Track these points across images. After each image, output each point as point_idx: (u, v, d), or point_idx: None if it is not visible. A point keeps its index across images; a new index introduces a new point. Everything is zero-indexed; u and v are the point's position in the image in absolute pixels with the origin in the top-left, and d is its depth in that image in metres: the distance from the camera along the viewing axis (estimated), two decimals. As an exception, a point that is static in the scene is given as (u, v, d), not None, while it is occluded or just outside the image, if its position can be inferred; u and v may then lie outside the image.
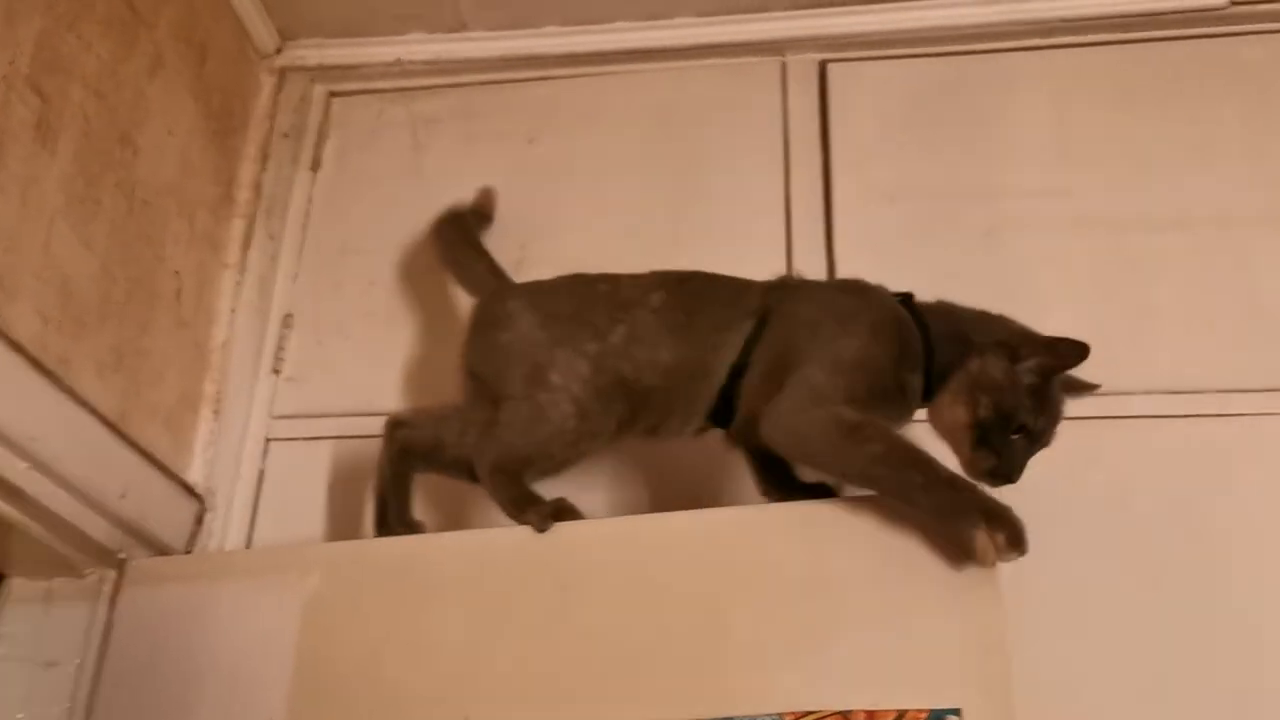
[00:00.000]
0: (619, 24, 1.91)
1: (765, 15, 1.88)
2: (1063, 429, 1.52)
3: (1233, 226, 1.65)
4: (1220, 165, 1.69)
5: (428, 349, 1.75)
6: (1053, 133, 1.76)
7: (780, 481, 1.37)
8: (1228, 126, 1.71)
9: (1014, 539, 1.13)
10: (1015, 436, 1.25)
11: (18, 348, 1.30)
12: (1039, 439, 1.27)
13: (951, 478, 1.18)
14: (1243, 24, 1.78)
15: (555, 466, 1.39)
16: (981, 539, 1.13)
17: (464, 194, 1.84)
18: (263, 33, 1.93)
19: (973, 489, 1.17)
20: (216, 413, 1.72)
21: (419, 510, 1.49)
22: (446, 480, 1.50)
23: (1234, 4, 1.76)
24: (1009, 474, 1.24)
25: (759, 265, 1.69)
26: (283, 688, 1.34)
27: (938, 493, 1.16)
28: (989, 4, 1.82)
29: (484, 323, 1.49)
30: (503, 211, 1.84)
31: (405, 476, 1.47)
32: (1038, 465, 1.48)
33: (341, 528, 1.64)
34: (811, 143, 1.81)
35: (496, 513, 1.39)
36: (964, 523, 1.14)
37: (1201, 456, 1.52)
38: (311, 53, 1.97)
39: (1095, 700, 1.40)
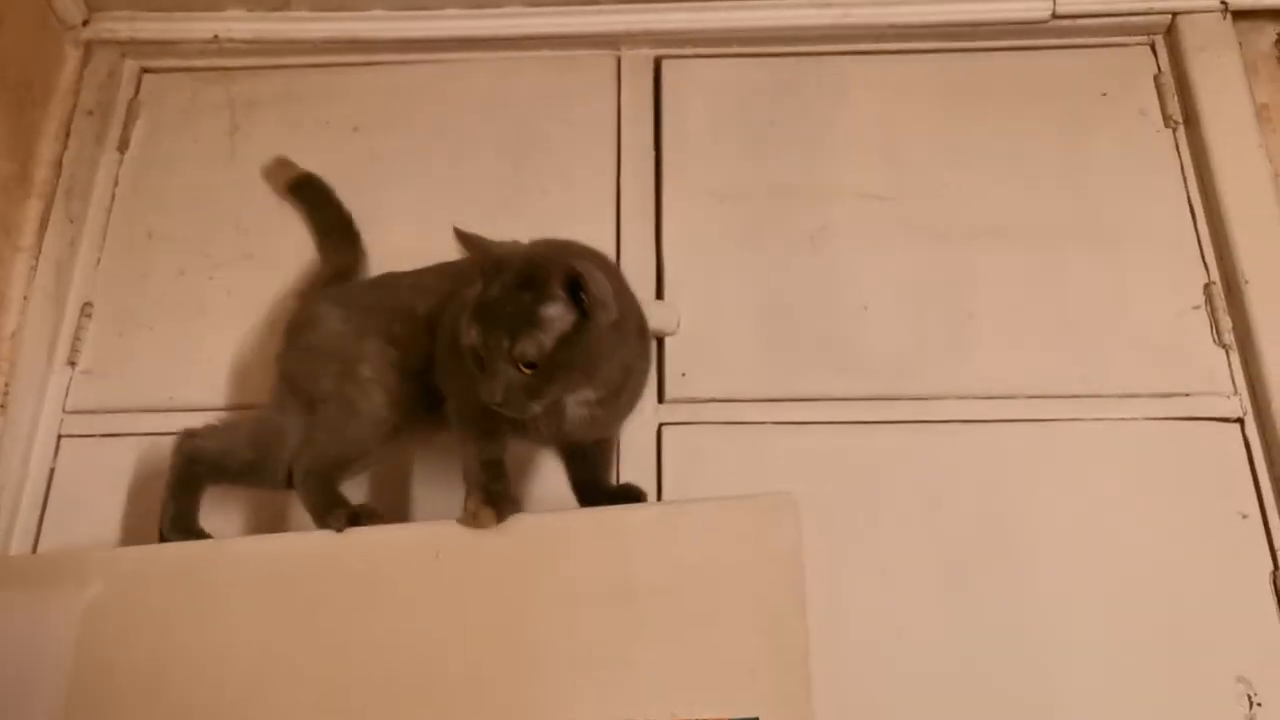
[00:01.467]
0: (449, 11, 1.85)
1: (600, 8, 1.85)
2: (877, 434, 1.56)
3: (1046, 236, 1.68)
4: (1036, 175, 1.72)
5: (239, 342, 1.67)
6: (880, 137, 1.77)
7: (588, 486, 1.34)
8: (1044, 138, 1.75)
9: (489, 514, 1.21)
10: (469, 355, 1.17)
11: None
12: (481, 354, 1.14)
13: (485, 463, 1.25)
14: (1063, 37, 1.82)
15: (372, 460, 1.39)
16: (469, 505, 1.22)
17: (283, 181, 1.78)
18: (67, 1, 1.81)
19: (484, 476, 1.24)
20: (3, 407, 1.61)
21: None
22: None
23: (1055, 17, 1.80)
24: (486, 392, 1.14)
25: (587, 262, 1.69)
26: (57, 705, 1.25)
27: (473, 467, 1.25)
28: (822, 6, 1.82)
29: (293, 328, 1.48)
30: (326, 200, 1.77)
31: (192, 486, 1.43)
32: (864, 468, 1.53)
33: (139, 531, 1.54)
34: (644, 139, 1.79)
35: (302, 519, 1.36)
36: (469, 493, 1.24)
37: (1011, 460, 1.54)
38: (122, 25, 1.86)
39: (897, 708, 1.41)
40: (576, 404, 1.23)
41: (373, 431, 1.35)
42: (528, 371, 1.13)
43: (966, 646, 1.44)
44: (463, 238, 1.19)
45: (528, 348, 1.12)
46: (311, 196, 1.71)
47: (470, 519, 1.22)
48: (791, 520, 1.19)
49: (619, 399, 1.26)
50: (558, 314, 1.13)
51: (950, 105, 1.79)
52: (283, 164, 1.74)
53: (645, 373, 1.32)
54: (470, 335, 1.15)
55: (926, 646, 1.44)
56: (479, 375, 1.15)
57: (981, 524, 1.51)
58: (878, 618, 1.45)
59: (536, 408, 1.16)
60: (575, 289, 1.12)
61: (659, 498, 1.51)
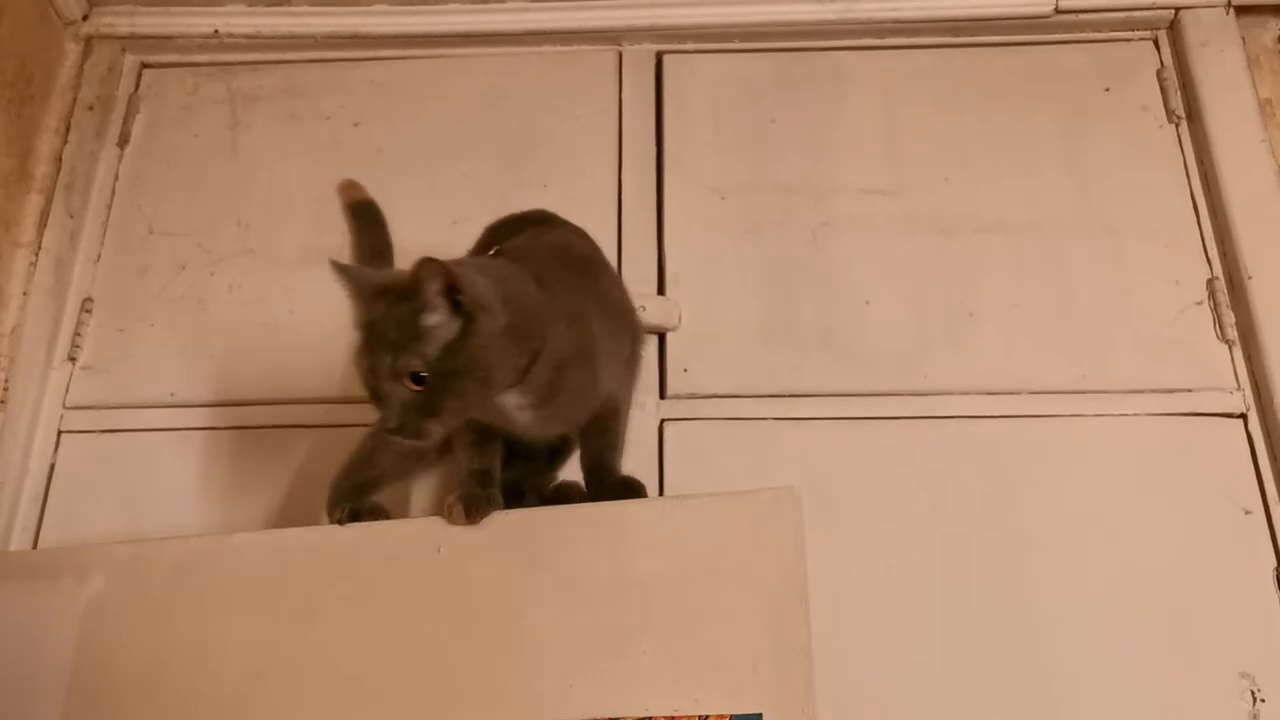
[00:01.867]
0: (451, 6, 1.85)
1: (602, 3, 1.84)
2: (879, 429, 1.56)
3: (1048, 231, 1.68)
4: (1038, 170, 1.72)
5: (241, 338, 1.67)
6: (882, 132, 1.77)
7: (592, 473, 1.34)
8: (1046, 133, 1.75)
9: (460, 511, 1.22)
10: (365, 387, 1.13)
11: None
12: (370, 381, 1.10)
13: (472, 472, 1.26)
14: (1066, 32, 1.82)
15: (397, 476, 1.40)
16: (447, 501, 1.23)
17: (283, 176, 1.78)
18: (68, -4, 1.81)
19: (470, 481, 1.25)
20: (3, 403, 1.61)
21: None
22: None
23: (1058, 11, 1.80)
24: (384, 420, 1.10)
25: (588, 257, 1.68)
26: (57, 699, 1.25)
27: (462, 474, 1.28)
28: (823, 1, 1.82)
29: None
30: (324, 196, 1.76)
31: None
32: (867, 463, 1.53)
33: (140, 526, 1.54)
34: (646, 135, 1.79)
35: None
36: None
37: (1013, 456, 1.53)
38: (122, 20, 1.86)
39: (899, 701, 1.40)
40: (516, 409, 1.20)
41: (390, 455, 1.36)
42: (417, 388, 1.08)
43: (968, 641, 1.44)
44: (340, 271, 1.13)
45: (410, 360, 1.06)
46: (367, 219, 1.67)
47: (446, 514, 1.23)
48: (793, 514, 1.19)
49: (558, 396, 1.20)
50: (439, 322, 1.07)
51: (952, 100, 1.79)
52: (352, 185, 1.69)
53: (593, 358, 1.26)
54: (359, 363, 1.09)
55: (928, 641, 1.43)
56: (375, 406, 1.10)
57: (983, 519, 1.50)
58: (879, 613, 1.44)
59: (436, 429, 1.10)
60: (454, 294, 1.07)
61: (661, 494, 1.51)
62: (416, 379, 1.07)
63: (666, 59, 1.84)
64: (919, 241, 1.68)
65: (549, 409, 1.21)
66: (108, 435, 1.61)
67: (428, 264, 1.05)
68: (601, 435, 1.34)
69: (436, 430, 1.10)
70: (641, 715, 1.12)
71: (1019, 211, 1.69)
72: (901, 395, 1.58)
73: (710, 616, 1.17)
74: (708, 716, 1.11)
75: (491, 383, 1.12)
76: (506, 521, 1.24)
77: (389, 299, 1.09)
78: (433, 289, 1.06)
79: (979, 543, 1.49)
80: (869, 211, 1.71)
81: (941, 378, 1.59)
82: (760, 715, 1.10)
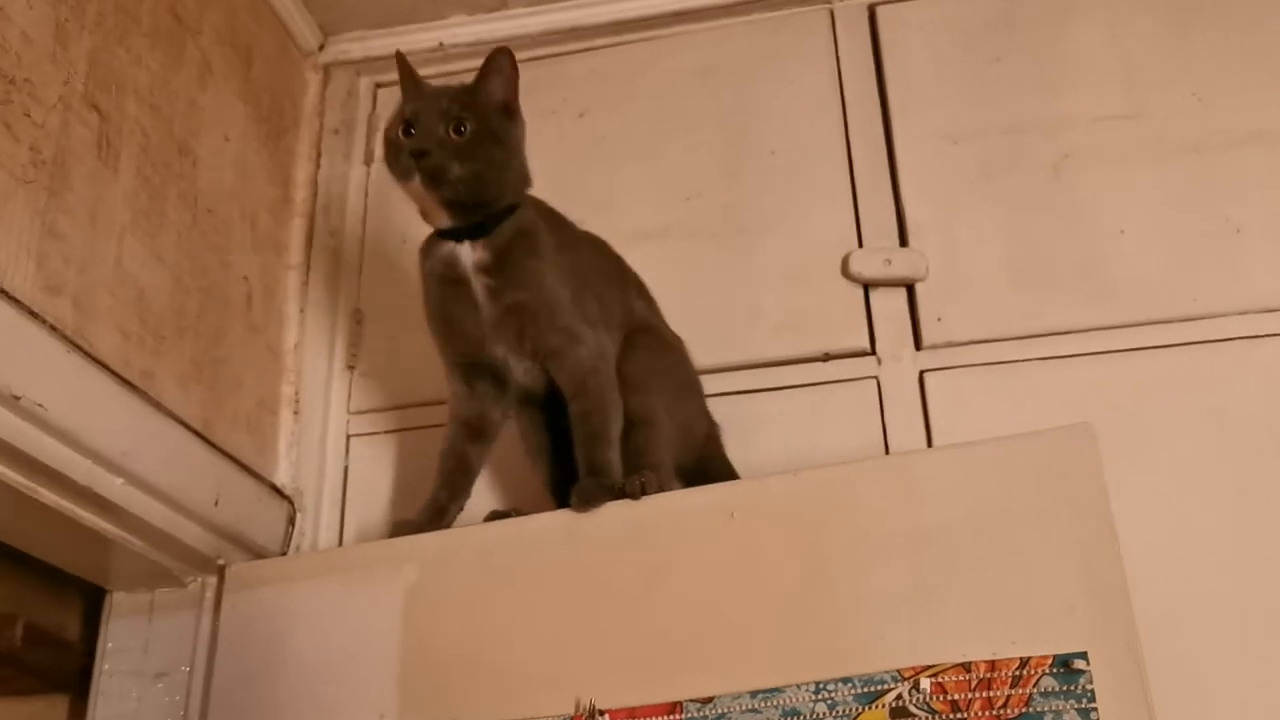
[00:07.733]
0: (660, -13, 1.88)
1: (807, -37, 1.84)
2: (1149, 359, 1.52)
3: (1315, 135, 1.59)
4: (1296, 73, 1.63)
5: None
6: (1114, 56, 1.70)
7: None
8: (1300, 32, 1.65)
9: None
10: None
11: (102, 365, 1.31)
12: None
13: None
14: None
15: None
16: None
17: (519, 173, 1.84)
18: (305, 30, 1.92)
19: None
20: (296, 414, 1.73)
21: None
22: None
23: (1299, -99, 1.69)
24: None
25: (826, 217, 1.69)
26: (391, 680, 1.34)
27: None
28: (1039, -72, 1.77)
29: None
30: (558, 187, 1.80)
31: None
32: (1138, 397, 1.48)
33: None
34: (868, 90, 1.77)
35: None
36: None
37: (1302, 373, 1.47)
38: (354, 46, 1.96)
39: (1218, 627, 1.37)
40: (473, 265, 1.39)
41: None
42: (457, 138, 1.29)
43: (1268, 569, 1.38)
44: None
45: (466, 114, 1.30)
46: None
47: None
48: (1091, 450, 1.18)
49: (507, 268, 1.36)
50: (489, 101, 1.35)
51: (1187, 10, 1.70)
52: None
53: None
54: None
55: (1225, 577, 1.39)
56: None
57: (1276, 445, 1.44)
58: (1170, 550, 1.40)
59: (456, 171, 1.28)
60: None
61: (929, 445, 1.51)
62: (459, 130, 1.28)
63: (879, 10, 1.82)
64: (1169, 164, 1.62)
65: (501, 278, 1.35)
66: (390, 436, 1.71)
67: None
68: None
69: (456, 173, 1.28)
70: (960, 661, 1.13)
71: (1277, 117, 1.60)
72: (1170, 322, 1.53)
73: (1015, 560, 1.17)
74: (1029, 659, 1.11)
75: (497, 166, 1.33)
76: (794, 482, 1.27)
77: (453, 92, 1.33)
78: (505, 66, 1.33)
79: (1272, 467, 1.43)
80: (1110, 140, 1.65)
81: (1211, 300, 1.53)
82: (1085, 653, 1.09)
